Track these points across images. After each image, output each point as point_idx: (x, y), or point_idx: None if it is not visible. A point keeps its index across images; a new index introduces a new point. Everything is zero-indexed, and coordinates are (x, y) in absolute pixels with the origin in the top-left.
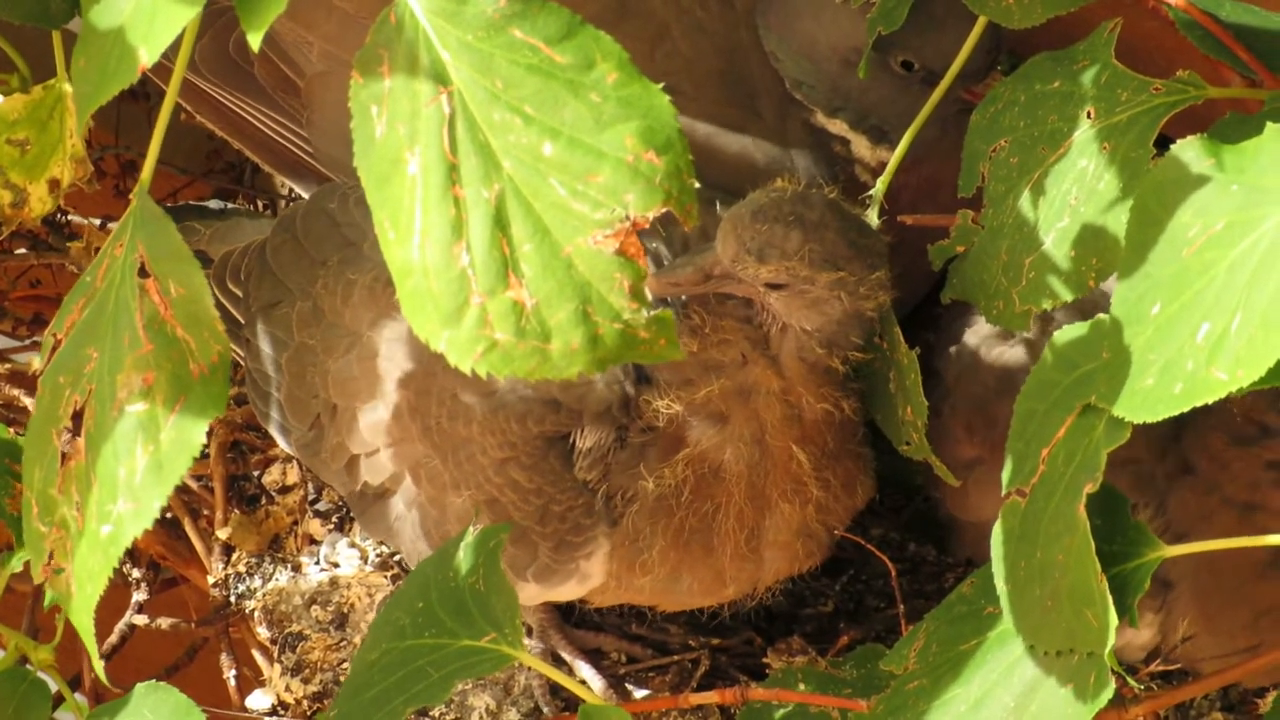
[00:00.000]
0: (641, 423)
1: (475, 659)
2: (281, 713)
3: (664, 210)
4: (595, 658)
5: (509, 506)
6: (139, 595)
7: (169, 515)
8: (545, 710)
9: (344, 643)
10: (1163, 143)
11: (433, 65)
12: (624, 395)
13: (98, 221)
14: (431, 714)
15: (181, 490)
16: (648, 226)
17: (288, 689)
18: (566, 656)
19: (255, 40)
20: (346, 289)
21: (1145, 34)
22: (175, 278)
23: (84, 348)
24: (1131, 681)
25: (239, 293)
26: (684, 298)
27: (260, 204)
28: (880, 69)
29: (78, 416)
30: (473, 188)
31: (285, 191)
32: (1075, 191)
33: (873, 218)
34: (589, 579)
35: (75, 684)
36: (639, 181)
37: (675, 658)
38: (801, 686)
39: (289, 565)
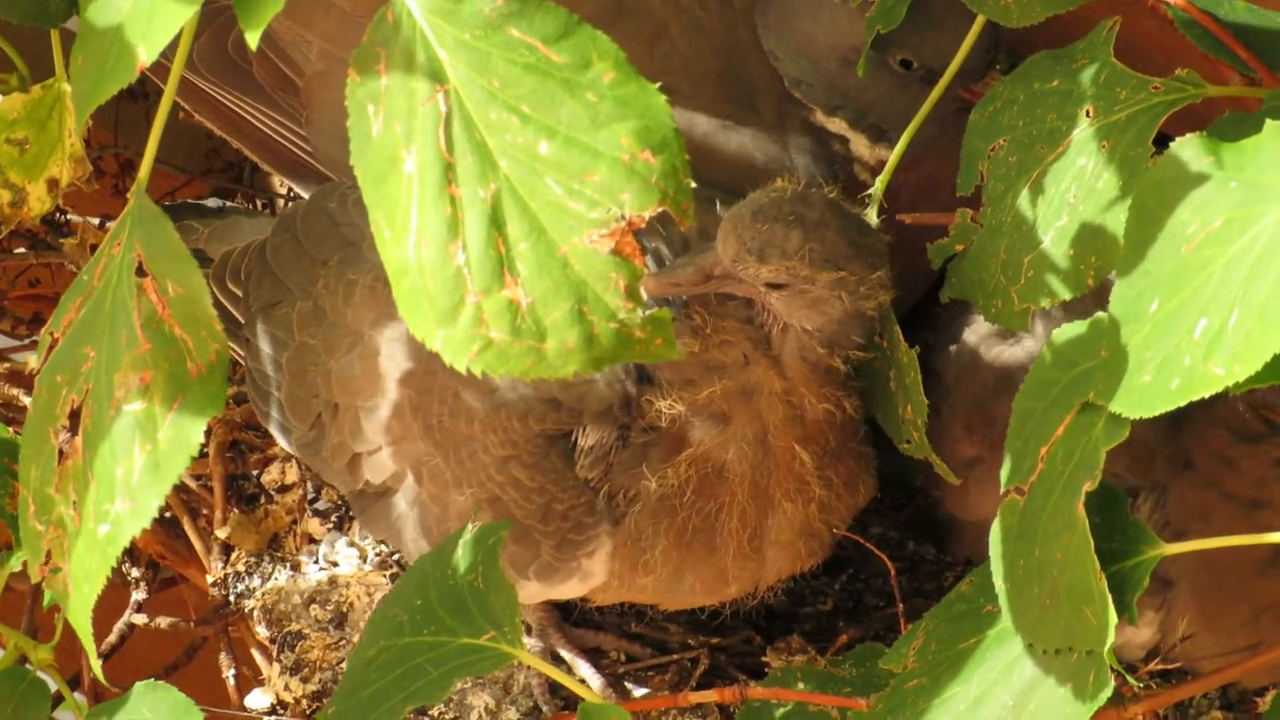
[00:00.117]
0: (644, 422)
1: (474, 657)
2: (280, 712)
3: (660, 210)
4: (594, 656)
5: (511, 505)
6: (138, 594)
7: (168, 514)
8: (544, 709)
9: (343, 642)
10: (1162, 141)
11: (429, 64)
12: (625, 395)
13: (96, 220)
14: (430, 712)
15: (180, 489)
16: (644, 226)
17: (287, 688)
18: (566, 655)
19: (253, 39)
20: (348, 289)
21: (1144, 32)
22: (173, 277)
23: (81, 346)
24: (1131, 680)
25: (239, 292)
26: (685, 298)
27: (259, 203)
28: (879, 68)
29: (75, 415)
30: (469, 186)
31: (284, 191)
32: (1074, 190)
33: (872, 216)
34: (591, 577)
35: (74, 683)
36: (635, 181)
37: (674, 656)
38: (801, 685)
39: (288, 564)
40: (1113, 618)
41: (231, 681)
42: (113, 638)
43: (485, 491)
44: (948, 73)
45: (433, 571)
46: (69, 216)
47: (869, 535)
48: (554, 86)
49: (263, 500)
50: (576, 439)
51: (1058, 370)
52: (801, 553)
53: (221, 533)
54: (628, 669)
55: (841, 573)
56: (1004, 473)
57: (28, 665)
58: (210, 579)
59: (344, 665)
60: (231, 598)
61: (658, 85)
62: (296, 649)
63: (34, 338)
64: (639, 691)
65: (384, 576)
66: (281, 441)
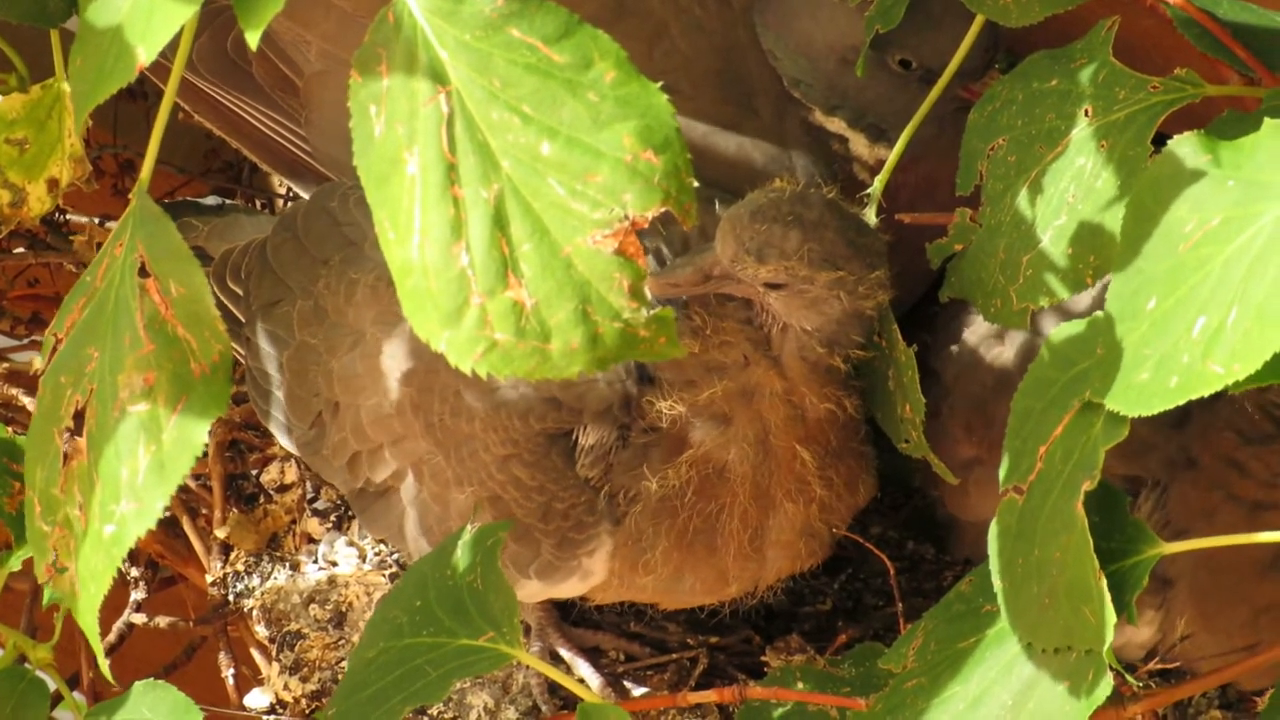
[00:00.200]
0: (644, 423)
1: (473, 658)
2: (280, 711)
3: (663, 210)
4: (594, 656)
5: (511, 504)
6: (137, 594)
7: (167, 514)
8: (543, 708)
9: (342, 641)
10: (1160, 141)
11: (431, 64)
12: (625, 395)
13: (96, 221)
14: (429, 712)
15: (180, 489)
16: (647, 226)
17: (286, 688)
18: (565, 655)
19: (253, 39)
20: (349, 288)
21: (1143, 32)
22: (175, 277)
23: (85, 347)
24: (1130, 679)
25: (239, 291)
26: (685, 299)
27: (258, 203)
28: (878, 67)
29: (79, 416)
30: (471, 187)
31: (283, 191)
32: (1073, 189)
33: (870, 216)
34: (591, 576)
35: (74, 683)
36: (637, 181)
37: (674, 656)
38: (800, 685)
39: (287, 564)
40: (1111, 617)
41: (231, 681)
42: (112, 637)
43: (486, 490)
44: (946, 72)
45: (432, 572)
46: (69, 216)
47: (868, 535)
48: (555, 87)
49: (262, 500)
50: (577, 438)
51: (1056, 369)
52: (802, 553)
53: (221, 532)
54: (627, 668)
55: (841, 572)
56: (1003, 472)
57: (27, 665)
58: (209, 578)
59: (343, 665)
60: (231, 597)
61: (658, 85)
62: (296, 648)
63: (33, 338)
64: (638, 691)
65: (383, 576)
66: (282, 440)
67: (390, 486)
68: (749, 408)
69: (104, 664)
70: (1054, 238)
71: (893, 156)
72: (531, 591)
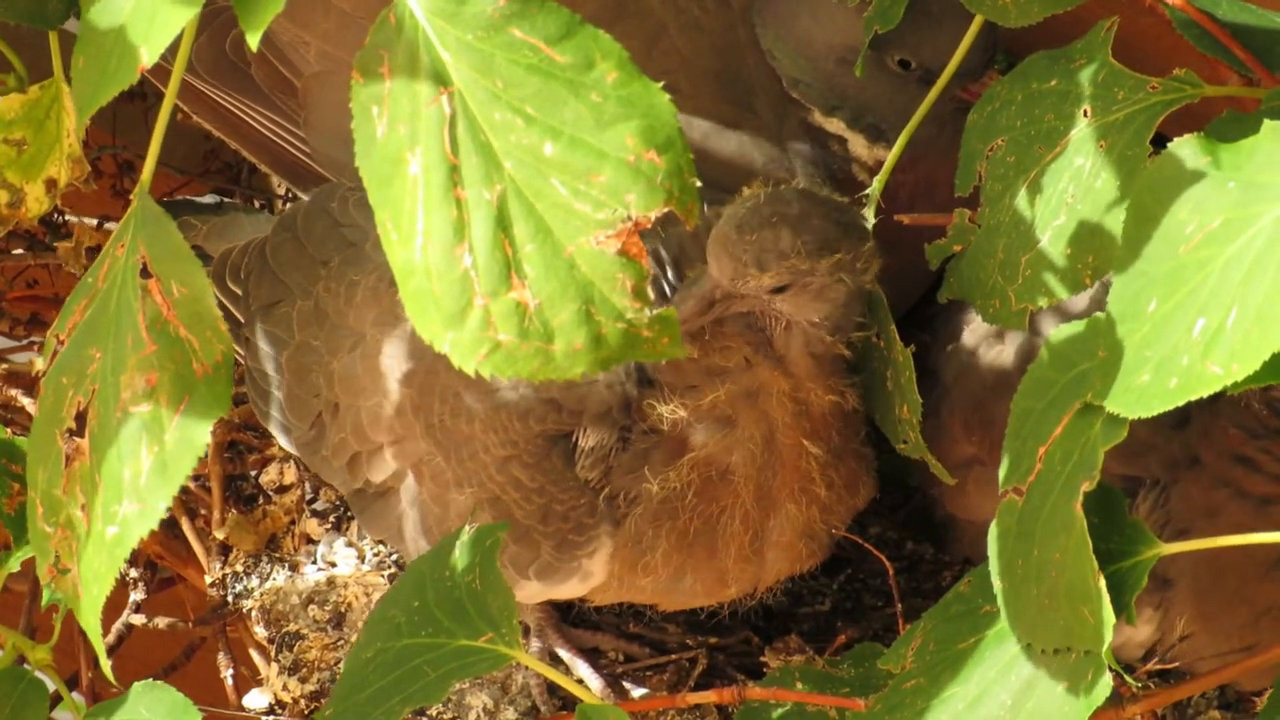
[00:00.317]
0: (644, 425)
1: (472, 658)
2: (279, 712)
3: (665, 210)
4: (593, 657)
5: (511, 505)
6: (136, 595)
7: (166, 514)
8: (543, 709)
9: (341, 642)
10: (1159, 141)
11: (433, 65)
12: (625, 397)
13: (94, 221)
14: (429, 713)
15: (179, 489)
16: (650, 226)
17: (285, 688)
18: (564, 655)
19: (253, 40)
20: (349, 290)
21: (1142, 32)
22: (177, 278)
23: (87, 348)
24: (1129, 680)
25: (238, 291)
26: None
27: (257, 204)
28: (877, 68)
29: (81, 417)
30: (474, 188)
31: (282, 191)
32: (1072, 190)
33: (869, 216)
34: (591, 577)
35: (73, 683)
36: (640, 181)
37: (673, 657)
38: (799, 685)
39: (286, 565)
40: (1110, 617)
41: (230, 681)
42: (111, 638)
43: (486, 491)
44: (945, 73)
45: (430, 573)
46: (67, 217)
47: (867, 535)
48: (558, 87)
49: (261, 501)
50: (577, 440)
51: (1056, 370)
52: (801, 554)
53: (220, 533)
54: (626, 669)
55: (840, 573)
56: (1002, 473)
57: (26, 665)
58: (208, 579)
59: (342, 665)
60: (230, 598)
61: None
62: (295, 649)
63: (32, 339)
64: (637, 692)
65: (382, 577)
66: (281, 441)
67: (390, 487)
68: (754, 408)
69: (105, 664)
70: (1053, 238)
71: (891, 157)
72: (531, 593)
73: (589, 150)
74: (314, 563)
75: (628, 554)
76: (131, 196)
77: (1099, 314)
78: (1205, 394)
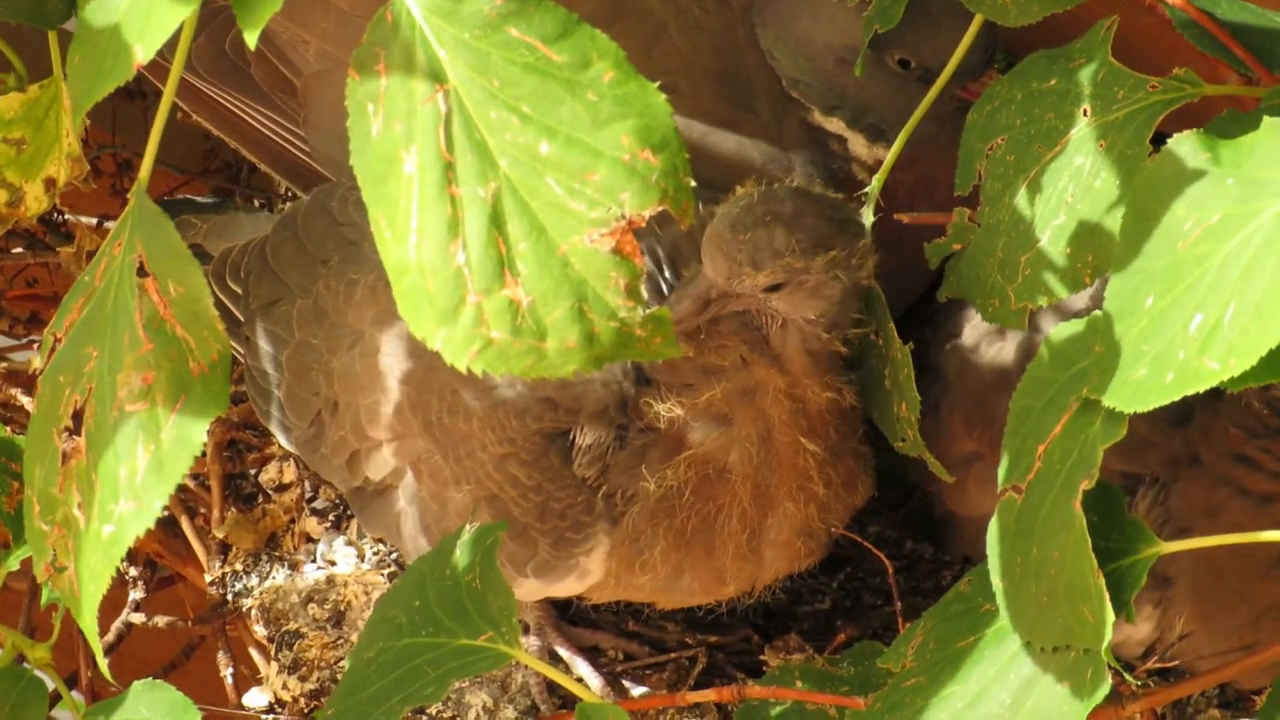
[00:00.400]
0: (642, 423)
1: (472, 658)
2: (278, 711)
3: (660, 209)
4: (592, 655)
5: (508, 503)
6: (136, 593)
7: (165, 513)
8: (542, 708)
9: (341, 641)
10: (1159, 140)
11: (429, 64)
12: (621, 396)
13: (94, 220)
14: (429, 712)
15: (178, 488)
16: (644, 225)
17: (285, 687)
18: (564, 654)
19: (251, 38)
20: (349, 288)
21: (1142, 31)
22: (174, 277)
23: (84, 347)
24: (1128, 678)
25: (238, 290)
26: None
27: (256, 203)
28: (877, 67)
29: (78, 416)
30: (469, 186)
31: (282, 190)
32: (1072, 189)
33: (868, 215)
34: (588, 575)
35: (72, 682)
36: (635, 180)
37: (672, 655)
38: (799, 684)
39: (286, 563)
40: (1110, 616)
41: (229, 680)
42: (110, 637)
43: (483, 489)
44: (945, 72)
45: (430, 572)
46: (66, 216)
47: (867, 534)
48: (554, 86)
49: (260, 499)
50: (574, 438)
51: (1055, 369)
52: (799, 552)
53: (219, 532)
54: (625, 668)
55: (839, 571)
56: (1001, 471)
57: (25, 664)
58: (208, 578)
59: (342, 664)
60: (229, 597)
61: (657, 84)
62: (294, 648)
63: (31, 337)
64: (637, 690)
65: (381, 575)
66: (281, 440)
67: (389, 485)
68: (750, 406)
69: (103, 664)
70: (1052, 237)
71: (891, 156)
72: (529, 590)
73: (584, 149)
74: (313, 561)
75: (625, 552)
76: (129, 195)
77: (1098, 312)
78: (1202, 389)
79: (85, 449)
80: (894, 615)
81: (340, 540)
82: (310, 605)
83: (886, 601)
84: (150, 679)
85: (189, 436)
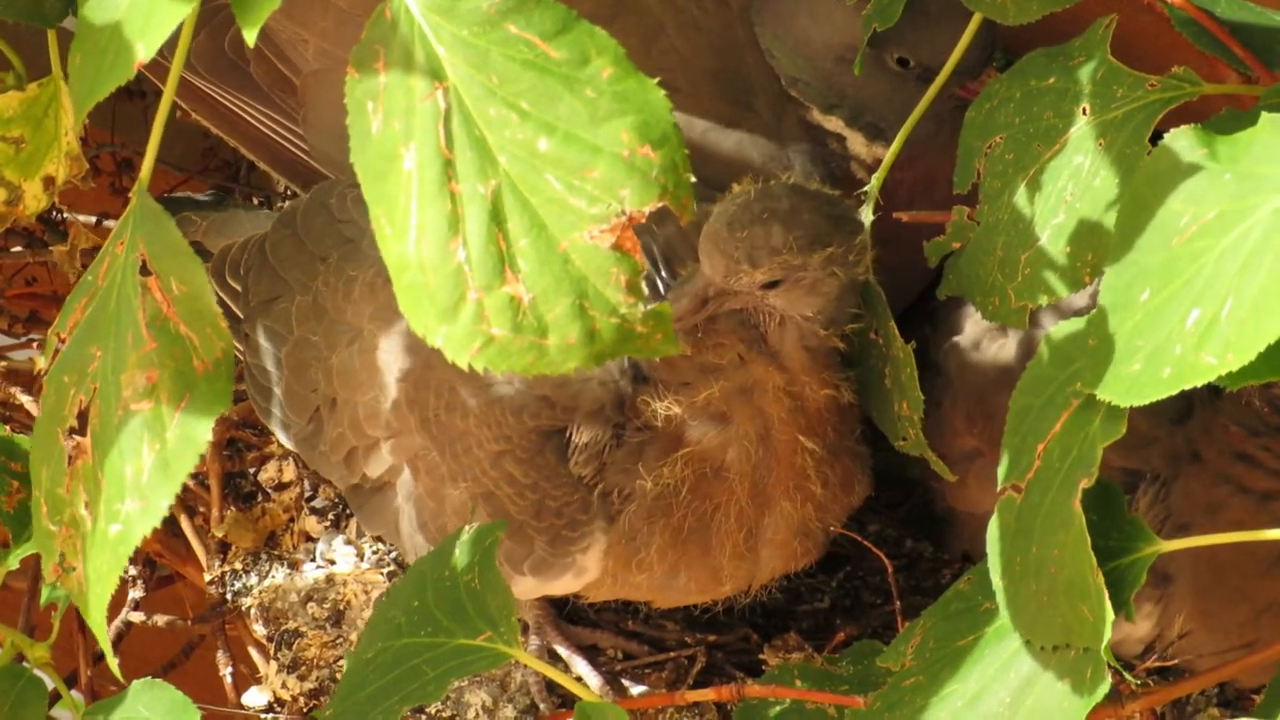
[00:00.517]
0: (639, 421)
1: (471, 657)
2: (278, 710)
3: (660, 205)
4: (591, 654)
5: (505, 500)
6: (135, 592)
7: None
8: (542, 707)
9: (340, 640)
10: (1158, 139)
11: (428, 61)
12: (618, 394)
13: (93, 219)
14: (427, 711)
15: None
16: (644, 221)
17: (284, 686)
18: (563, 653)
19: (251, 36)
20: (347, 285)
21: (1141, 30)
22: (177, 275)
23: (87, 347)
24: (1128, 677)
25: (238, 287)
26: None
27: (256, 201)
28: (876, 66)
29: (83, 416)
30: (469, 183)
31: (281, 189)
32: (1071, 187)
33: (867, 214)
34: (585, 573)
35: (71, 681)
36: (635, 176)
37: (672, 654)
38: (798, 683)
39: (285, 562)
40: (1109, 615)
41: (229, 679)
42: (110, 636)
43: (480, 486)
44: (944, 70)
45: (430, 572)
46: (65, 215)
47: (866, 533)
48: (553, 82)
49: (260, 498)
50: (571, 436)
51: (1054, 367)
52: (796, 552)
53: (218, 531)
54: (625, 667)
55: (839, 570)
56: (1001, 470)
57: (25, 664)
58: (207, 577)
59: (341, 663)
60: (229, 596)
61: (656, 81)
62: (294, 647)
63: (31, 336)
64: (636, 689)
65: (381, 574)
66: (281, 437)
67: (386, 482)
68: (748, 405)
69: (113, 663)
70: (1052, 236)
71: (890, 154)
72: (526, 588)
73: (584, 145)
74: (313, 560)
75: (622, 550)
76: (131, 194)
77: (1095, 310)
78: (1199, 383)
79: (91, 449)
80: (893, 614)
81: (339, 539)
82: (309, 604)
83: (886, 600)
84: (149, 678)
85: (194, 435)
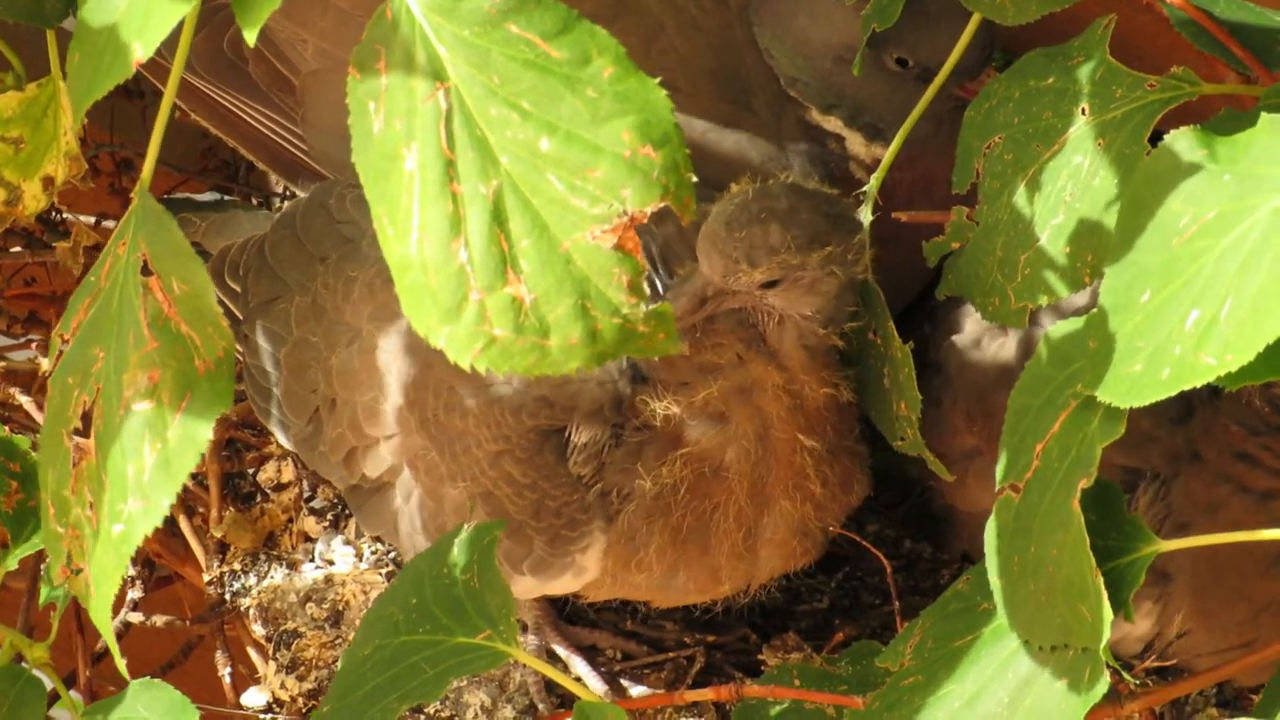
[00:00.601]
0: (638, 421)
1: (470, 656)
2: (276, 710)
3: (661, 204)
4: (591, 654)
5: (504, 500)
6: (134, 593)
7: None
8: (540, 707)
9: (339, 640)
10: (1157, 139)
11: (429, 61)
12: (617, 395)
13: (92, 219)
14: (426, 710)
15: None
16: (646, 221)
17: (283, 686)
18: (562, 653)
19: (250, 36)
20: (347, 286)
21: (1139, 30)
22: (178, 275)
23: (90, 347)
24: (1127, 677)
25: (237, 288)
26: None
27: (255, 201)
28: (875, 66)
29: (87, 417)
30: (470, 183)
31: (280, 189)
32: (1070, 187)
33: (866, 214)
34: (584, 573)
35: (70, 681)
36: (636, 176)
37: (671, 655)
38: (797, 683)
39: (284, 563)
40: (1108, 615)
41: (227, 680)
42: None
43: (479, 486)
44: (943, 70)
45: (428, 570)
46: (64, 215)
47: (865, 533)
48: (554, 82)
49: (259, 499)
50: (570, 436)
51: (1053, 367)
52: (795, 551)
53: (217, 531)
54: (624, 667)
55: (838, 570)
56: (1000, 469)
57: (24, 664)
58: (206, 577)
59: (339, 663)
60: (227, 596)
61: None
62: (292, 647)
63: (30, 336)
64: (635, 689)
65: (380, 575)
66: (280, 438)
67: (385, 482)
68: (747, 404)
69: (120, 663)
70: (1052, 236)
71: (889, 154)
72: (525, 588)
73: (585, 145)
74: (312, 561)
75: (621, 550)
76: (132, 195)
77: (1095, 310)
78: (1199, 384)
79: (94, 449)
80: (892, 614)
81: (338, 540)
82: (308, 605)
83: (885, 600)
84: (148, 678)
85: (195, 434)
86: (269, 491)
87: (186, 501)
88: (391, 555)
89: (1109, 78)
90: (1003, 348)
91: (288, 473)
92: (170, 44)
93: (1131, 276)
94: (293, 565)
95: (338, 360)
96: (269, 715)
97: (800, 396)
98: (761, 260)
